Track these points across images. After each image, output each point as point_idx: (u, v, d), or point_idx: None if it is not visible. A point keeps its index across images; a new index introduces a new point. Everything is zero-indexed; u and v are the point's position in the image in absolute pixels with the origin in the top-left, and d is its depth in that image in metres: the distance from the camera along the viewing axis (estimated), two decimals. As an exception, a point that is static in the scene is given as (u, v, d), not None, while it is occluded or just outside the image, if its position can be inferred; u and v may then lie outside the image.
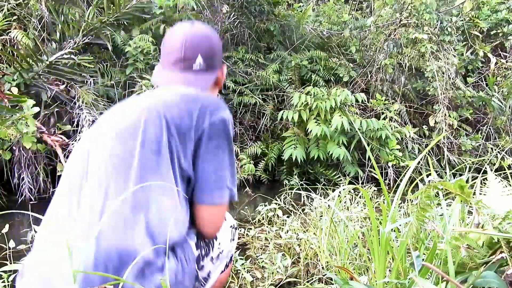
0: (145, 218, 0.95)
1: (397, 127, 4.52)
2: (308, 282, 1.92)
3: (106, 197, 0.96)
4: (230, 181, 1.11)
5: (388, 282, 1.19)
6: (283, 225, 2.49)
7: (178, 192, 1.02)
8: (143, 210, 0.96)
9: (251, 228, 2.66)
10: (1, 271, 1.66)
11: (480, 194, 1.21)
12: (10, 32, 3.62)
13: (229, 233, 1.29)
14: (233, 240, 1.32)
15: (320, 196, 2.61)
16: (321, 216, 2.38)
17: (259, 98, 4.71)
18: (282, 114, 4.35)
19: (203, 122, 1.05)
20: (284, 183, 4.29)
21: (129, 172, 0.98)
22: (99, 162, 1.00)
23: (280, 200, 2.77)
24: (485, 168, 1.48)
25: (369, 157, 4.31)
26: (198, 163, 1.05)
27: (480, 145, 4.84)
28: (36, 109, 3.23)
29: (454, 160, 4.56)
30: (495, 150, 4.71)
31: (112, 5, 3.86)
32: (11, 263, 1.68)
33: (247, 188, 4.14)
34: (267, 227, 2.58)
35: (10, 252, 2.04)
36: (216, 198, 1.08)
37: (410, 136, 4.51)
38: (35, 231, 2.11)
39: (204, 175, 1.06)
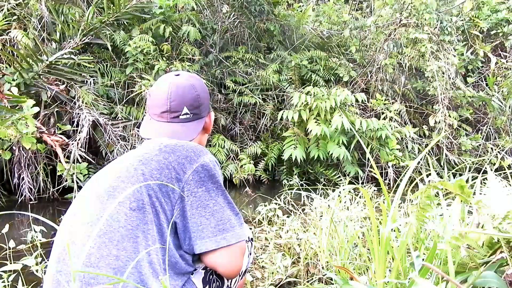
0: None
1: (397, 127, 4.52)
2: (308, 282, 1.92)
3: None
4: (236, 220, 1.08)
5: (388, 282, 1.19)
6: (283, 225, 2.49)
7: (166, 238, 1.01)
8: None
9: (251, 228, 2.65)
10: (1, 271, 1.66)
11: (480, 194, 1.21)
12: (10, 32, 3.62)
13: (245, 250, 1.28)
14: (250, 254, 1.30)
15: (320, 196, 2.60)
16: (321, 216, 2.38)
17: (259, 98, 4.72)
18: (282, 114, 4.35)
19: (185, 173, 1.04)
20: (284, 183, 4.29)
21: (110, 232, 0.97)
22: (82, 225, 1.00)
23: (280, 200, 2.77)
24: (485, 168, 1.48)
25: (369, 157, 4.31)
26: (192, 212, 1.03)
27: (480, 145, 4.84)
28: (36, 109, 3.23)
29: (454, 160, 4.56)
30: (495, 150, 4.71)
31: (112, 5, 3.86)
32: (11, 263, 1.68)
33: (247, 188, 4.14)
34: (267, 227, 2.58)
35: (10, 252, 2.04)
36: (221, 241, 1.04)
37: (410, 136, 4.51)
38: (35, 231, 2.11)
39: (203, 222, 1.04)
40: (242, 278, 1.29)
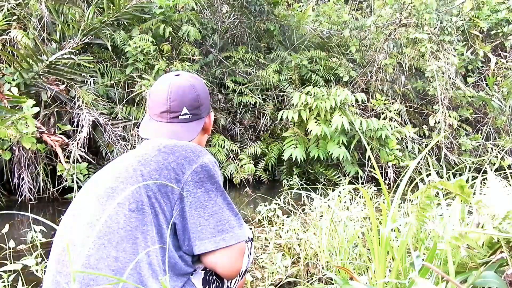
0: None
1: (397, 127, 4.52)
2: (308, 282, 1.92)
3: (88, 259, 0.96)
4: (235, 221, 1.08)
5: (388, 282, 1.19)
6: (283, 225, 2.49)
7: (165, 239, 1.00)
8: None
9: (251, 228, 2.66)
10: (1, 271, 1.66)
11: (480, 194, 1.21)
12: (10, 32, 3.62)
13: (245, 250, 1.27)
14: (250, 254, 1.30)
15: (320, 196, 2.60)
16: (321, 216, 2.38)
17: (259, 98, 4.72)
18: (282, 114, 4.35)
19: (184, 173, 1.03)
20: (284, 183, 4.29)
21: (109, 233, 0.96)
22: (81, 226, 0.99)
23: (280, 200, 2.77)
24: (485, 168, 1.48)
25: (369, 156, 4.32)
26: (192, 213, 1.02)
27: (480, 145, 4.84)
28: (36, 109, 3.23)
29: (454, 160, 4.56)
30: (495, 150, 4.71)
31: (112, 5, 3.86)
32: (11, 263, 1.68)
33: (247, 188, 4.14)
34: (267, 227, 2.58)
35: (10, 252, 2.04)
36: (220, 242, 1.04)
37: (410, 136, 4.51)
38: (35, 231, 2.11)
39: (202, 223, 1.03)
40: (242, 278, 1.29)
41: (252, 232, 2.60)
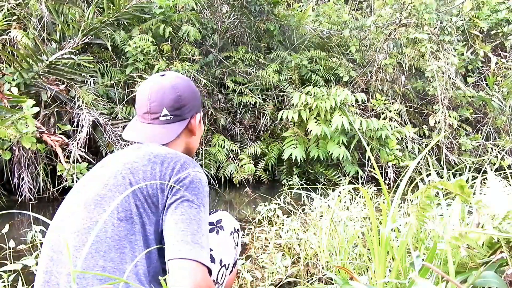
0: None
1: (397, 127, 4.52)
2: (308, 282, 1.92)
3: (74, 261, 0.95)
4: (204, 240, 0.99)
5: (388, 282, 1.19)
6: (283, 225, 2.49)
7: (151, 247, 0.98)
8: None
9: (251, 228, 2.66)
10: (1, 271, 1.66)
11: (480, 194, 1.21)
12: (10, 32, 3.62)
13: (230, 242, 1.26)
14: (237, 246, 1.28)
15: (320, 196, 2.61)
16: (321, 216, 2.38)
17: (259, 98, 4.71)
18: (282, 114, 4.35)
19: (168, 184, 1.02)
20: (284, 183, 4.29)
21: (97, 242, 0.95)
22: (69, 234, 0.98)
23: (280, 200, 2.77)
24: (485, 168, 1.48)
25: (369, 157, 4.32)
26: (165, 220, 1.00)
27: (480, 145, 4.84)
28: (36, 109, 3.23)
29: (454, 160, 4.56)
30: (495, 150, 4.71)
31: (112, 5, 3.86)
32: (11, 263, 1.68)
33: (247, 188, 4.14)
34: (267, 227, 2.58)
35: (10, 252, 2.04)
36: (176, 252, 0.94)
37: (410, 136, 4.51)
38: (35, 232, 2.11)
39: (170, 231, 0.98)
40: (231, 272, 1.29)
41: (253, 232, 2.60)
